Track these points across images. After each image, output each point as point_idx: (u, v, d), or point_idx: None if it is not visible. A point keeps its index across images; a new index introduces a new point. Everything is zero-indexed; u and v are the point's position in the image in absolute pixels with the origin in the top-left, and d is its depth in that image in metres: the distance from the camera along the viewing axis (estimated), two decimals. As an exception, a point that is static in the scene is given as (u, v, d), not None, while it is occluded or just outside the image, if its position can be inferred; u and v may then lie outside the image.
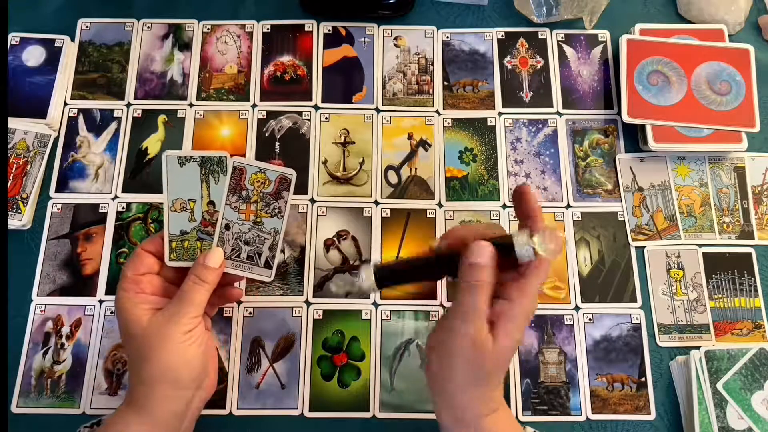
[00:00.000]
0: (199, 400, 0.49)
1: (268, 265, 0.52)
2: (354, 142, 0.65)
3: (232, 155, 0.52)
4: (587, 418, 0.57)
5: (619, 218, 0.63)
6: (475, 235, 0.43)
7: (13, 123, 0.63)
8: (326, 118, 0.66)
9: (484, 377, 0.42)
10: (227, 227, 0.51)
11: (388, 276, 0.45)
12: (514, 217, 0.63)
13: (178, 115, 0.66)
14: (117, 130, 0.65)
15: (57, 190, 0.63)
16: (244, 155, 0.64)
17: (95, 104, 0.66)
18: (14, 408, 0.56)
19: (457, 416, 0.43)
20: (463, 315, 0.40)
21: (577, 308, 0.60)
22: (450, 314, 0.42)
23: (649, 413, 0.57)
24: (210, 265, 0.49)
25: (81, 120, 0.65)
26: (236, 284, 0.57)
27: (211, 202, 0.52)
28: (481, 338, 0.40)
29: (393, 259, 0.44)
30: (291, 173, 0.52)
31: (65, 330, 0.58)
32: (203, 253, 0.50)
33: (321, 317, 0.59)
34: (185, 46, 0.68)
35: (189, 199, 0.51)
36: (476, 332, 0.40)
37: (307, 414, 0.56)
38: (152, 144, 0.64)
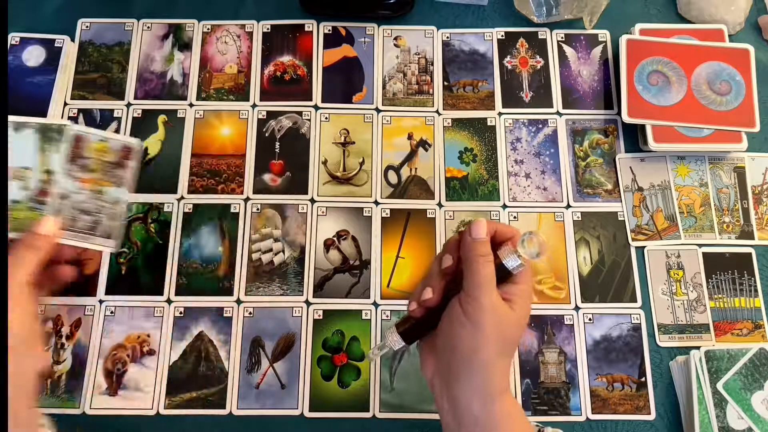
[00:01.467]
0: (30, 368, 0.47)
1: (109, 236, 0.52)
2: (354, 142, 0.65)
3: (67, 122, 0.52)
4: (587, 418, 0.57)
5: (619, 218, 0.63)
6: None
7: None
8: (326, 118, 0.66)
9: (508, 345, 0.43)
10: (64, 197, 0.51)
11: (413, 332, 0.46)
12: (514, 218, 0.63)
13: (178, 115, 0.66)
14: (117, 130, 0.65)
15: (57, 190, 0.63)
16: (244, 155, 0.64)
17: (95, 104, 0.66)
18: (14, 408, 0.56)
19: (483, 392, 0.42)
20: (479, 286, 0.42)
21: (577, 308, 0.60)
22: (465, 294, 0.43)
23: (649, 413, 0.57)
24: (41, 232, 0.50)
25: (81, 120, 0.65)
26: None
27: (49, 171, 0.51)
28: (502, 305, 0.42)
29: (407, 315, 0.47)
30: (137, 143, 0.52)
31: (65, 330, 0.58)
32: (36, 221, 0.50)
33: (321, 317, 0.59)
34: (185, 46, 0.68)
35: (24, 167, 0.51)
36: (496, 299, 0.42)
37: (307, 414, 0.56)
38: (152, 144, 0.64)
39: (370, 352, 0.48)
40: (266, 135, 0.65)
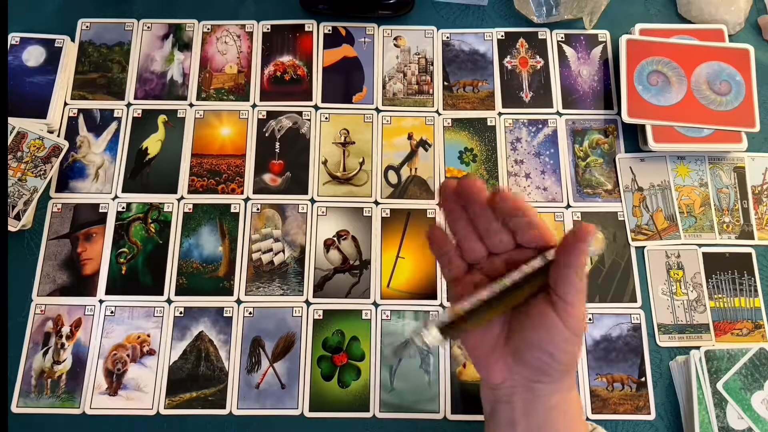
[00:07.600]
0: None
1: (18, 217, 0.58)
2: (354, 142, 0.65)
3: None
4: (587, 418, 0.57)
5: (619, 218, 0.63)
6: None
7: (13, 123, 0.63)
8: (326, 118, 0.66)
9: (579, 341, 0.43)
10: None
11: (456, 331, 0.41)
12: (514, 217, 0.63)
13: (178, 115, 0.66)
14: (117, 130, 0.65)
15: (57, 190, 0.63)
16: (244, 155, 0.64)
17: (95, 104, 0.66)
18: (14, 408, 0.56)
19: (565, 387, 0.43)
20: (578, 296, 0.41)
21: (577, 308, 0.60)
22: (563, 302, 0.41)
23: (649, 413, 0.57)
24: None
25: (81, 120, 0.65)
26: None
27: None
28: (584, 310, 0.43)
29: (457, 311, 0.40)
30: (64, 144, 0.61)
31: (65, 330, 0.58)
32: None
33: (321, 317, 0.59)
34: (185, 46, 0.68)
35: None
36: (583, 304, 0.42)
37: (307, 414, 0.56)
38: (152, 144, 0.65)
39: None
40: (266, 135, 0.65)
